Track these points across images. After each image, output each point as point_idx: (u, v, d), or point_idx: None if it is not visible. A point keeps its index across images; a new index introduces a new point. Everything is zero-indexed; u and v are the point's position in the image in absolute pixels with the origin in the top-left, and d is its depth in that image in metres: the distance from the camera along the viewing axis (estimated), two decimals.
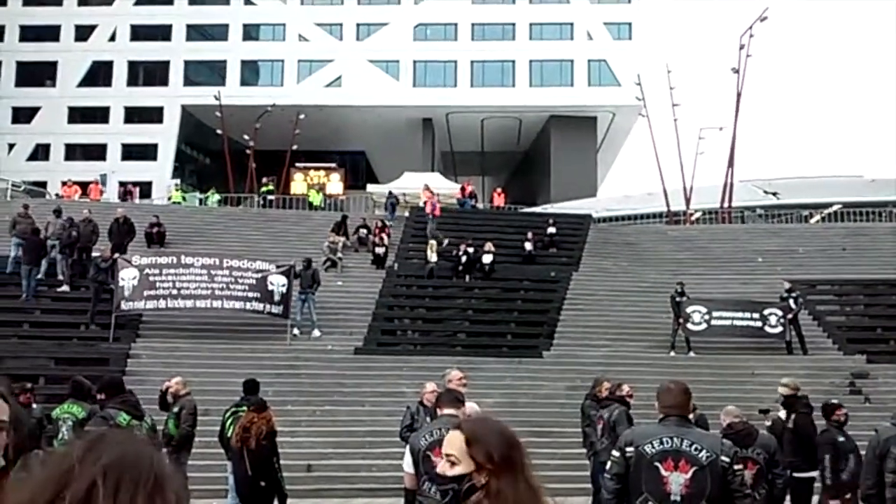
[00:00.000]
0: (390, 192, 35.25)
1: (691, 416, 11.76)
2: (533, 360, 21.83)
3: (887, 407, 15.34)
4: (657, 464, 4.78)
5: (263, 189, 42.81)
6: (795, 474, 10.86)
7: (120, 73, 59.90)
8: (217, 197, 40.98)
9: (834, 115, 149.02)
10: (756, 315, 23.04)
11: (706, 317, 22.98)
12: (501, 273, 26.97)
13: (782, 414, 11.96)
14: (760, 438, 8.17)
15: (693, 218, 41.13)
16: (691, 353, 22.55)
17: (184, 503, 1.39)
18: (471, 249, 26.75)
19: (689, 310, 22.96)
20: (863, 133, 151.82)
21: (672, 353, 22.47)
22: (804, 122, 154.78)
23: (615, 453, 5.02)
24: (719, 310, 23.24)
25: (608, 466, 4.96)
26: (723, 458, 4.79)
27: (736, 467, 4.87)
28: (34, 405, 11.29)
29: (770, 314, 22.96)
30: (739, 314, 23.25)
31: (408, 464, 6.18)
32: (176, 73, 60.07)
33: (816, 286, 26.44)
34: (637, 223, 42.79)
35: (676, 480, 4.74)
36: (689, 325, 22.86)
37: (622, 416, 10.43)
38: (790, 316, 22.81)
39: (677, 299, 23.13)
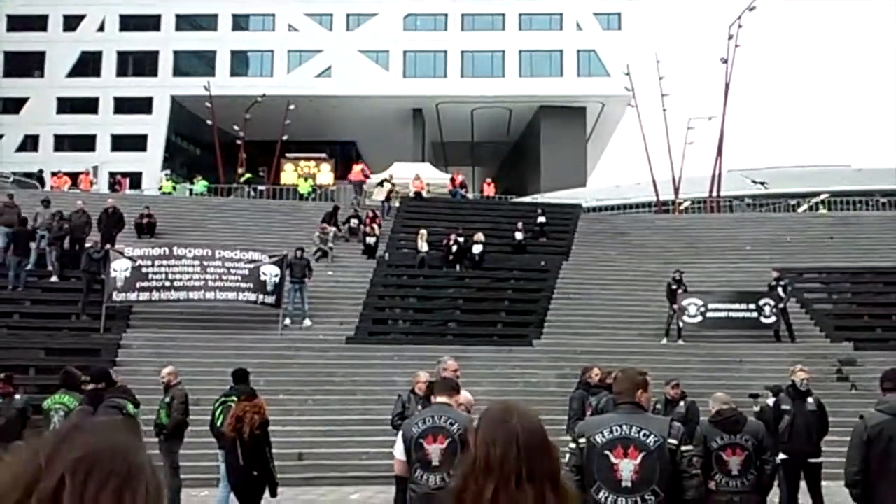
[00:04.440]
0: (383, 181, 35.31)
1: (682, 403, 11.97)
2: (523, 349, 21.94)
3: (874, 394, 15.37)
4: (607, 452, 4.87)
5: (241, 179, 42.57)
6: (811, 460, 10.98)
7: (109, 64, 59.59)
8: (204, 184, 40.67)
9: (822, 105, 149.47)
10: (752, 306, 23.10)
11: (702, 309, 23.06)
12: (492, 262, 27.04)
13: (771, 401, 12.09)
14: (749, 425, 8.23)
15: (682, 207, 41.27)
16: (680, 341, 22.70)
17: (159, 497, 1.34)
18: (461, 239, 26.80)
19: (685, 302, 23.06)
20: (850, 122, 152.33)
21: (664, 341, 22.61)
22: (792, 111, 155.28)
23: (571, 445, 5.11)
24: (715, 302, 23.33)
25: (566, 459, 5.03)
26: (670, 440, 4.89)
27: (683, 448, 4.96)
28: (17, 395, 11.17)
29: (765, 304, 23.02)
30: (735, 306, 23.31)
31: (399, 451, 6.18)
32: (165, 64, 59.80)
33: (804, 274, 26.60)
34: (626, 213, 42.92)
35: (626, 467, 4.83)
36: (686, 318, 22.96)
37: (609, 404, 10.50)
38: (781, 305, 22.95)
39: (673, 287, 23.26)
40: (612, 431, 4.94)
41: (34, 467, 1.28)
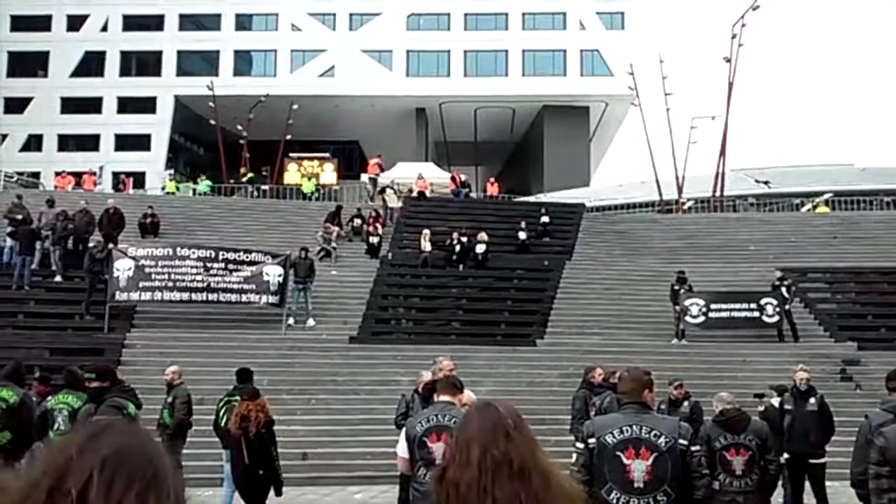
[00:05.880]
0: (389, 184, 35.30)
1: (686, 403, 11.96)
2: (526, 349, 21.94)
3: (878, 393, 15.34)
4: (619, 453, 4.85)
5: (244, 179, 42.61)
6: (812, 461, 10.97)
7: (112, 63, 59.68)
8: (207, 183, 40.63)
9: (825, 104, 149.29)
10: (753, 305, 23.06)
11: (704, 309, 23.02)
12: (495, 262, 27.03)
13: (776, 401, 12.06)
14: (752, 425, 8.22)
15: (685, 207, 41.24)
16: (683, 341, 22.70)
17: (181, 500, 1.38)
18: (464, 239, 26.80)
19: (687, 302, 23.04)
20: (854, 121, 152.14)
21: (674, 341, 22.62)
22: (796, 110, 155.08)
23: (579, 445, 5.08)
24: (717, 302, 23.29)
25: (574, 459, 5.01)
26: (681, 441, 4.89)
27: (693, 448, 4.97)
28: (50, 397, 11.07)
29: (767, 304, 22.98)
30: (737, 305, 23.25)
31: (402, 448, 6.16)
32: (169, 64, 59.88)
33: (808, 274, 26.56)
34: (630, 212, 42.89)
35: (638, 468, 4.82)
36: (688, 318, 22.94)
37: (613, 403, 10.48)
38: (786, 306, 22.91)
39: (675, 287, 23.24)
40: (622, 432, 4.92)
41: (65, 460, 1.32)
